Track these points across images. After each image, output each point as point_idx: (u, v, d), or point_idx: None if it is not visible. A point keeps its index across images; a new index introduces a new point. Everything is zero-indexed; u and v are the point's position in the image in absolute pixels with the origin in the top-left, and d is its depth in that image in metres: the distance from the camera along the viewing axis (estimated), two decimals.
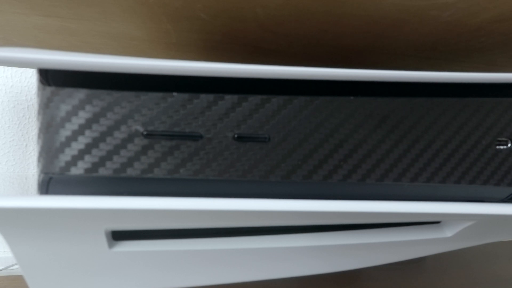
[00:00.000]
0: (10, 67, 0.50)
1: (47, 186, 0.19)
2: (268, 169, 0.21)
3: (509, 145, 0.23)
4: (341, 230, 0.24)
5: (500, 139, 0.23)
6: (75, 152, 0.19)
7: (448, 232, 0.25)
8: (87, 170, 0.19)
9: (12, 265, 0.46)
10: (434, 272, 0.46)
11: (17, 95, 0.51)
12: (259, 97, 0.20)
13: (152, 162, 0.19)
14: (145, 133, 0.19)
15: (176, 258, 0.22)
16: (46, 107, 0.19)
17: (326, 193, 0.21)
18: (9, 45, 0.27)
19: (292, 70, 0.19)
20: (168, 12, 0.27)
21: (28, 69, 0.51)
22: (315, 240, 0.24)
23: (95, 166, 0.19)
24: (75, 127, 0.19)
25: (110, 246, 0.21)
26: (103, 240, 0.20)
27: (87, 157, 0.19)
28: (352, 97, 0.21)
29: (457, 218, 0.24)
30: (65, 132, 0.19)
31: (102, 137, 0.19)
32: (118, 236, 0.21)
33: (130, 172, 0.19)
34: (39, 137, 0.19)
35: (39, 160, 0.19)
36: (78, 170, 0.19)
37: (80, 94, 0.19)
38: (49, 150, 0.19)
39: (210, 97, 0.20)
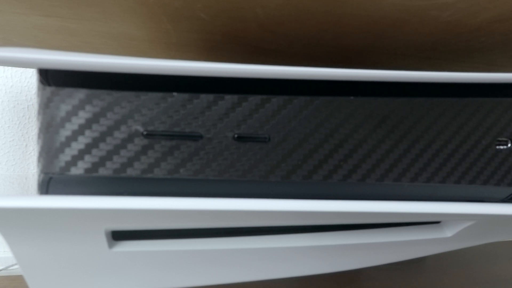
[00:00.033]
0: (10, 67, 0.50)
1: (47, 186, 0.19)
2: (268, 169, 0.21)
3: (509, 145, 0.23)
4: (341, 230, 0.24)
5: (500, 139, 0.23)
6: (75, 152, 0.19)
7: (448, 232, 0.25)
8: (87, 170, 0.19)
9: (12, 265, 0.46)
10: (434, 272, 0.46)
11: (17, 95, 0.51)
12: (259, 97, 0.20)
13: (152, 162, 0.19)
14: (145, 133, 0.19)
15: (176, 258, 0.22)
16: (46, 107, 0.19)
17: (326, 193, 0.21)
18: (9, 45, 0.27)
19: (292, 70, 0.19)
20: (168, 12, 0.27)
21: (28, 69, 0.51)
22: (315, 240, 0.24)
23: (95, 166, 0.19)
24: (75, 127, 0.19)
25: (110, 246, 0.21)
26: (103, 240, 0.20)
27: (87, 157, 0.19)
28: (352, 97, 0.21)
29: (457, 218, 0.24)
30: (65, 132, 0.19)
31: (102, 137, 0.19)
32: (118, 236, 0.21)
33: (130, 172, 0.19)
34: (39, 137, 0.19)
35: (39, 160, 0.19)
36: (78, 170, 0.19)
37: (80, 94, 0.19)
38: (49, 150, 0.19)
39: (210, 97, 0.20)
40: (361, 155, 0.21)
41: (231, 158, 0.20)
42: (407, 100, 0.22)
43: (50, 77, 0.19)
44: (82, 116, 0.19)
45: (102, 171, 0.19)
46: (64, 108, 0.19)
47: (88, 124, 0.19)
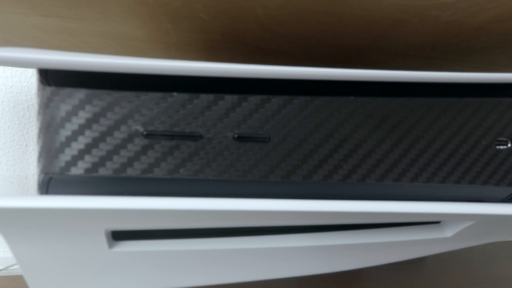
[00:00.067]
0: (10, 67, 0.50)
1: (47, 186, 0.19)
2: (268, 169, 0.21)
3: (509, 145, 0.23)
4: (341, 230, 0.24)
5: (500, 139, 0.23)
6: (75, 152, 0.19)
7: (448, 232, 0.25)
8: (87, 170, 0.19)
9: (12, 265, 0.46)
10: (434, 272, 0.46)
11: (17, 95, 0.51)
12: (259, 97, 0.20)
13: (152, 162, 0.19)
14: (145, 133, 0.19)
15: (176, 258, 0.22)
16: (46, 107, 0.19)
17: (326, 193, 0.21)
18: (9, 45, 0.27)
19: (292, 70, 0.19)
20: (168, 12, 0.27)
21: (28, 69, 0.51)
22: (315, 240, 0.24)
23: (95, 166, 0.19)
24: (75, 127, 0.19)
25: (110, 246, 0.21)
26: (103, 240, 0.20)
27: (87, 157, 0.19)
28: (352, 97, 0.21)
29: (457, 218, 0.24)
30: (65, 132, 0.19)
31: (102, 137, 0.19)
32: (118, 236, 0.21)
33: (130, 172, 0.19)
34: (39, 137, 0.19)
35: (39, 160, 0.19)
36: (78, 170, 0.19)
37: (80, 94, 0.19)
38: (49, 150, 0.19)
39: (210, 97, 0.20)
40: (361, 155, 0.21)
41: (231, 158, 0.20)
42: (407, 100, 0.22)
43: (50, 77, 0.19)
44: (82, 116, 0.19)
45: (102, 171, 0.19)
46: (64, 108, 0.19)
47: (88, 124, 0.19)
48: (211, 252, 0.22)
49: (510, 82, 0.22)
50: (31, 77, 0.51)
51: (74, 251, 0.20)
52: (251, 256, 0.23)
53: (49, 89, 0.19)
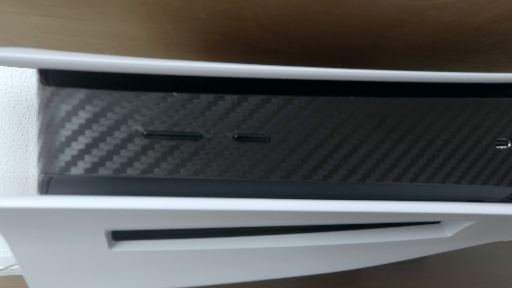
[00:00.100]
0: (10, 67, 0.50)
1: (47, 186, 0.19)
2: (268, 169, 0.21)
3: (509, 145, 0.23)
4: (341, 230, 0.24)
5: (500, 139, 0.23)
6: (75, 152, 0.19)
7: (448, 232, 0.25)
8: (87, 170, 0.19)
9: (12, 265, 0.46)
10: (434, 272, 0.46)
11: (17, 95, 0.51)
12: (259, 97, 0.20)
13: (152, 162, 0.19)
14: (145, 133, 0.19)
15: (176, 258, 0.22)
16: (46, 107, 0.19)
17: (326, 193, 0.21)
18: (9, 45, 0.27)
19: (292, 70, 0.19)
20: (168, 12, 0.27)
21: (28, 69, 0.51)
22: (315, 240, 0.24)
23: (95, 166, 0.19)
24: (75, 127, 0.19)
25: (110, 246, 0.21)
26: (103, 240, 0.20)
27: (87, 157, 0.19)
28: (352, 97, 0.21)
29: (457, 218, 0.24)
30: (65, 132, 0.19)
31: (102, 137, 0.19)
32: (118, 236, 0.21)
33: (130, 172, 0.19)
34: (39, 137, 0.19)
35: (39, 160, 0.19)
36: (78, 170, 0.19)
37: (80, 94, 0.19)
38: (49, 150, 0.19)
39: (210, 97, 0.20)
40: (361, 155, 0.21)
41: (231, 158, 0.20)
42: (407, 100, 0.22)
43: (50, 77, 0.19)
44: (82, 116, 0.19)
45: (102, 171, 0.19)
46: (64, 108, 0.19)
47: (88, 124, 0.19)
48: (211, 252, 0.22)
49: (510, 82, 0.22)
50: (31, 77, 0.51)
51: (74, 251, 0.20)
52: (251, 256, 0.23)
53: (49, 89, 0.19)
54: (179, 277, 0.23)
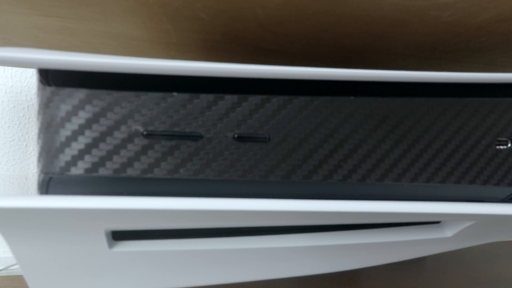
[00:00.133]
0: (10, 67, 0.50)
1: (47, 186, 0.19)
2: (268, 169, 0.21)
3: (509, 145, 0.23)
4: (341, 230, 0.24)
5: (500, 139, 0.23)
6: (75, 152, 0.19)
7: (448, 232, 0.25)
8: (87, 170, 0.19)
9: (12, 265, 0.46)
10: (434, 272, 0.46)
11: (17, 95, 0.51)
12: (259, 97, 0.20)
13: (152, 162, 0.19)
14: (145, 133, 0.19)
15: (176, 258, 0.22)
16: (46, 107, 0.19)
17: (326, 193, 0.21)
18: (9, 45, 0.27)
19: (292, 70, 0.19)
20: (168, 12, 0.27)
21: (28, 69, 0.51)
22: (315, 240, 0.24)
23: (95, 166, 0.19)
24: (75, 127, 0.19)
25: (110, 246, 0.21)
26: (103, 240, 0.20)
27: (87, 157, 0.19)
28: (352, 97, 0.21)
29: (457, 218, 0.24)
30: (65, 132, 0.19)
31: (102, 137, 0.19)
32: (118, 236, 0.21)
33: (130, 172, 0.19)
34: (39, 137, 0.19)
35: (39, 160, 0.19)
36: (78, 170, 0.19)
37: (80, 94, 0.19)
38: (49, 150, 0.19)
39: (210, 97, 0.20)
40: (361, 155, 0.21)
41: (231, 158, 0.20)
42: (407, 100, 0.22)
43: (50, 77, 0.19)
44: (82, 116, 0.19)
45: (102, 171, 0.19)
46: (64, 108, 0.19)
47: (88, 124, 0.19)
48: (211, 252, 0.22)
49: (510, 82, 0.22)
50: (31, 77, 0.51)
51: (74, 251, 0.20)
52: (251, 256, 0.23)
53: (49, 89, 0.19)
54: (179, 277, 0.23)
